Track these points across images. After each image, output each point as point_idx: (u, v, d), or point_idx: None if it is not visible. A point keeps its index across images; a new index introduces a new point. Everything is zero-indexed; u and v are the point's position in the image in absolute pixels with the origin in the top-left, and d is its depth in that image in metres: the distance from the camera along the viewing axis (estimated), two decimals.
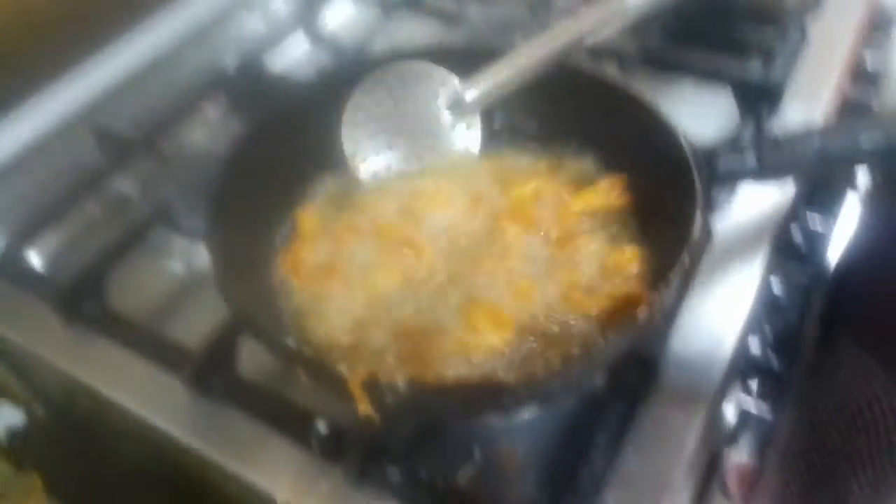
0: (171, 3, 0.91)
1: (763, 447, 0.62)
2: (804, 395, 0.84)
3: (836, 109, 0.85)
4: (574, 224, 0.59)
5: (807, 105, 0.79)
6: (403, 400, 0.43)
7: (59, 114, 0.81)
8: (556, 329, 0.52)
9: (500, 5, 1.00)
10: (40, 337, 0.66)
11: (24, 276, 0.70)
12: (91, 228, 0.77)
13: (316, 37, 0.98)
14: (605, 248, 0.57)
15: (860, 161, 0.56)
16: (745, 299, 0.63)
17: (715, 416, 0.58)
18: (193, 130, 0.87)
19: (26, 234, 0.73)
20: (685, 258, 0.48)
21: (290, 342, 0.47)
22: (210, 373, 0.58)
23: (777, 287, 0.70)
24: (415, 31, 0.98)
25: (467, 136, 0.68)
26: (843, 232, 0.84)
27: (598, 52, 0.85)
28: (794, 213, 0.72)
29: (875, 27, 0.98)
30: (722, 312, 0.62)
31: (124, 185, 0.81)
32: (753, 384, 0.65)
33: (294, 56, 0.97)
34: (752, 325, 0.65)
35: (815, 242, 0.78)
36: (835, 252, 0.81)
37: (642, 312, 0.46)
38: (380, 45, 0.94)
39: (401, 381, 0.43)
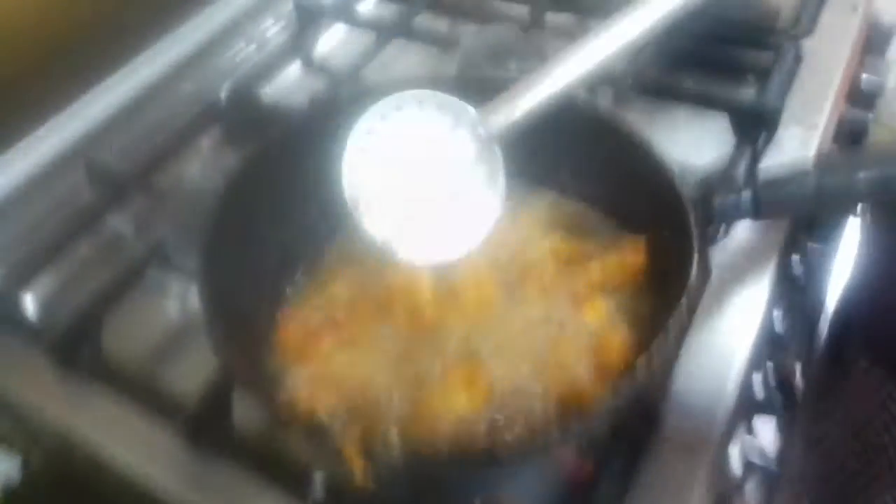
0: (162, 35, 0.90)
1: (769, 492, 0.62)
2: (814, 424, 0.84)
3: (832, 133, 0.85)
4: (585, 283, 0.58)
5: (803, 129, 0.78)
6: (399, 466, 0.43)
7: (51, 151, 0.81)
8: (524, 404, 0.51)
9: (493, 28, 0.99)
10: (35, 386, 0.65)
11: (18, 324, 0.69)
12: (86, 268, 0.76)
13: (310, 63, 0.98)
14: (598, 323, 0.55)
15: (858, 198, 0.55)
16: (747, 336, 0.62)
17: (720, 461, 0.58)
18: (188, 163, 0.86)
19: (20, 277, 0.72)
20: (682, 307, 0.47)
21: (282, 404, 0.46)
22: (204, 425, 0.58)
23: (779, 321, 0.69)
24: (409, 55, 0.98)
25: (490, 177, 0.58)
26: (844, 259, 0.83)
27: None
28: (793, 244, 0.72)
29: (870, 48, 0.98)
30: (723, 351, 0.61)
31: (118, 222, 0.80)
32: (758, 425, 0.64)
33: (287, 82, 0.97)
34: (755, 363, 0.65)
35: (817, 272, 0.78)
36: (837, 280, 0.81)
37: (640, 367, 0.45)
38: (374, 69, 0.94)
39: (396, 447, 0.43)
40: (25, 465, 0.73)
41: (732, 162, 0.74)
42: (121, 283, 0.70)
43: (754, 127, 0.77)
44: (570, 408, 0.50)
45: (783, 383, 0.67)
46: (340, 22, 1.01)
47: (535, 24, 0.93)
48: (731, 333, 0.62)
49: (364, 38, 0.96)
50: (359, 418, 0.49)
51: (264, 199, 0.62)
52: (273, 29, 1.00)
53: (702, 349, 0.61)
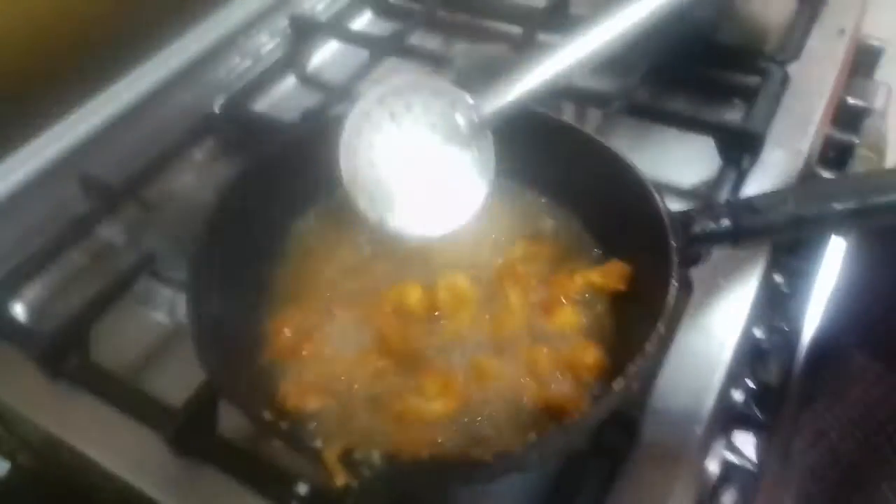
0: (159, 49, 0.91)
1: (748, 499, 0.62)
2: (815, 420, 0.85)
3: (817, 155, 0.86)
4: (563, 294, 0.59)
5: (788, 152, 0.79)
6: (379, 474, 0.43)
7: (45, 162, 0.81)
8: (501, 410, 0.52)
9: (485, 46, 1.01)
10: (23, 391, 0.66)
11: (8, 330, 0.70)
12: (76, 277, 0.77)
13: (304, 78, 0.99)
14: (573, 336, 0.56)
15: (835, 225, 0.56)
16: (727, 351, 0.63)
17: (698, 473, 0.58)
18: (181, 175, 0.87)
19: (11, 285, 0.73)
20: (660, 327, 0.48)
21: (266, 413, 0.47)
22: (190, 432, 0.58)
23: (760, 337, 0.70)
24: (402, 71, 0.99)
25: (480, 160, 0.62)
26: (827, 274, 0.84)
27: (580, 99, 0.86)
28: (776, 262, 0.73)
29: (857, 71, 0.99)
30: (703, 365, 0.62)
31: (110, 232, 0.81)
32: (736, 438, 0.65)
33: (280, 97, 0.98)
34: (734, 378, 0.66)
35: (800, 289, 0.79)
36: (820, 295, 0.82)
37: (618, 384, 0.46)
38: (367, 86, 0.95)
39: (375, 453, 0.44)
40: (14, 467, 0.73)
41: (717, 184, 0.75)
42: (110, 293, 0.71)
43: (739, 150, 0.78)
44: (547, 418, 0.51)
45: (763, 398, 0.68)
46: (334, 39, 1.02)
47: (526, 42, 0.95)
48: (710, 349, 0.63)
49: (358, 54, 0.97)
50: (338, 424, 0.50)
51: (255, 212, 0.63)
52: (268, 44, 1.01)
53: (681, 364, 0.62)
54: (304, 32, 1.01)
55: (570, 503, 0.53)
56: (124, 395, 0.63)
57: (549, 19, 0.97)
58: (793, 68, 0.88)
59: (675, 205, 0.58)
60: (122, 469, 0.60)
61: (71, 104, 0.85)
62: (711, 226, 0.55)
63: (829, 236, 0.82)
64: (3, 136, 0.80)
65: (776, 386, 0.69)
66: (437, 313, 0.58)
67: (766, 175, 0.77)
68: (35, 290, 0.75)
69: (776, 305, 0.75)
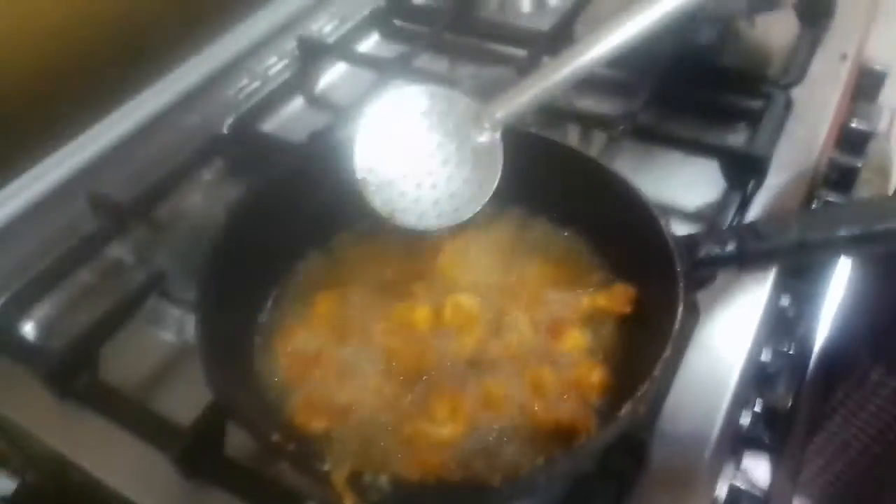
0: (168, 70, 0.92)
1: None
2: (835, 434, 0.85)
3: (821, 178, 0.86)
4: (570, 316, 0.59)
5: (792, 175, 0.80)
6: (387, 497, 0.43)
7: (55, 182, 0.82)
8: (509, 432, 0.53)
9: (491, 69, 1.02)
10: (31, 409, 0.66)
11: (17, 349, 0.70)
12: (85, 297, 0.78)
13: (311, 99, 1.00)
14: (579, 357, 0.57)
15: (838, 250, 0.57)
16: (734, 373, 0.63)
17: (706, 498, 0.58)
18: (190, 195, 0.88)
19: (21, 304, 0.74)
20: (668, 351, 0.48)
21: (275, 435, 0.47)
22: (197, 452, 0.58)
23: (768, 359, 0.70)
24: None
25: (489, 161, 0.63)
26: (834, 295, 0.84)
27: (585, 122, 0.87)
28: (782, 284, 0.73)
29: (860, 95, 1.00)
30: (711, 388, 0.62)
31: (119, 252, 0.81)
32: (745, 461, 0.65)
33: (288, 118, 0.99)
34: (742, 400, 0.66)
35: (807, 310, 0.79)
36: (827, 316, 0.82)
37: (625, 409, 0.46)
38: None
39: (384, 476, 0.44)
40: (21, 484, 0.73)
41: (721, 207, 0.76)
42: (119, 313, 0.71)
43: (744, 173, 0.78)
44: (554, 441, 0.51)
45: (772, 421, 0.68)
46: (342, 61, 1.04)
47: (531, 65, 0.95)
48: (718, 371, 0.63)
49: (365, 76, 0.98)
50: (346, 446, 0.50)
51: (264, 233, 0.63)
52: (276, 66, 1.02)
53: (689, 386, 0.62)
54: (312, 54, 1.02)
55: None
56: (132, 415, 0.63)
57: (553, 43, 0.98)
58: (796, 92, 0.89)
59: (680, 227, 0.58)
60: (128, 489, 0.60)
61: (81, 125, 0.86)
62: (717, 250, 0.55)
63: (836, 259, 0.82)
64: (12, 156, 0.81)
65: (784, 409, 0.69)
66: (444, 332, 0.59)
67: (771, 197, 0.78)
68: (44, 308, 0.76)
69: (783, 328, 0.75)
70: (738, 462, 0.66)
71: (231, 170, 0.91)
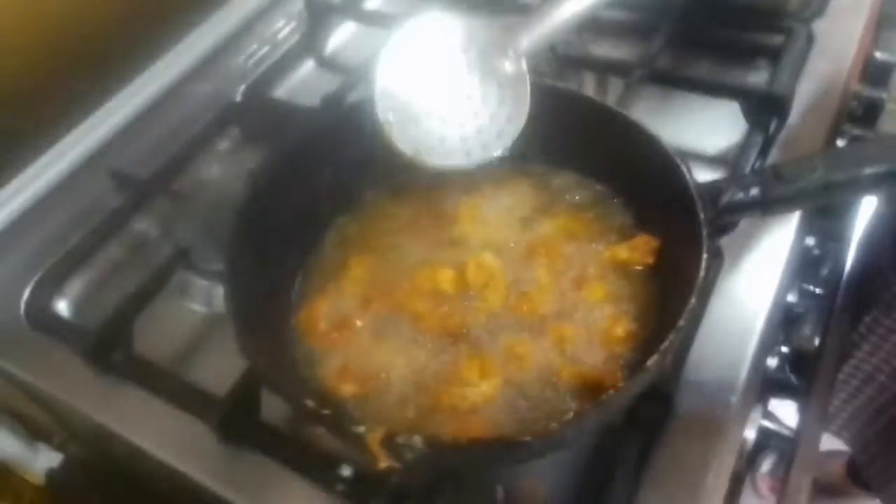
0: (176, 42, 0.92)
1: (785, 469, 0.63)
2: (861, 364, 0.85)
3: (846, 114, 0.84)
4: (593, 269, 0.60)
5: (815, 113, 0.78)
6: (421, 457, 0.44)
7: (76, 159, 0.83)
8: (538, 389, 0.53)
9: (504, 18, 1.00)
10: (71, 385, 0.68)
11: (53, 326, 0.72)
12: (115, 272, 0.79)
13: (322, 62, 0.99)
14: (604, 309, 0.57)
15: (864, 190, 0.55)
16: (759, 319, 0.63)
17: (734, 441, 0.59)
18: (208, 165, 0.88)
19: (53, 282, 0.75)
20: (692, 300, 0.48)
21: (309, 400, 0.48)
22: (235, 419, 0.60)
23: (794, 303, 0.70)
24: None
25: (516, 94, 0.61)
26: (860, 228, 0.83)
27: (601, 69, 0.85)
28: (807, 225, 0.72)
29: (882, 27, 0.97)
30: (736, 334, 0.62)
31: (144, 226, 0.82)
32: (773, 402, 0.65)
33: (300, 82, 0.98)
34: (768, 345, 0.66)
35: (832, 249, 0.78)
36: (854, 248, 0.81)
37: (652, 361, 0.46)
38: None
39: (417, 437, 0.45)
40: (66, 458, 0.76)
41: (744, 150, 0.74)
42: (149, 287, 0.72)
43: (765, 114, 0.77)
44: (583, 394, 0.52)
45: (798, 362, 0.68)
46: (350, 20, 1.02)
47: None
48: (743, 318, 0.63)
49: (375, 35, 0.96)
50: (380, 408, 0.51)
51: (286, 199, 0.63)
52: (284, 29, 1.01)
53: (714, 334, 0.62)
54: (320, 15, 1.01)
55: (607, 476, 0.54)
56: (169, 386, 0.65)
57: None
58: (818, 25, 0.86)
59: (702, 173, 0.57)
60: (169, 456, 0.62)
61: (95, 102, 0.86)
62: (740, 196, 0.54)
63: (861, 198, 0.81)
64: (25, 140, 0.82)
65: (811, 349, 0.69)
66: (469, 293, 0.59)
67: (794, 136, 0.76)
68: (75, 285, 0.77)
69: (809, 268, 0.75)
70: (765, 404, 0.66)
71: (247, 137, 0.91)
